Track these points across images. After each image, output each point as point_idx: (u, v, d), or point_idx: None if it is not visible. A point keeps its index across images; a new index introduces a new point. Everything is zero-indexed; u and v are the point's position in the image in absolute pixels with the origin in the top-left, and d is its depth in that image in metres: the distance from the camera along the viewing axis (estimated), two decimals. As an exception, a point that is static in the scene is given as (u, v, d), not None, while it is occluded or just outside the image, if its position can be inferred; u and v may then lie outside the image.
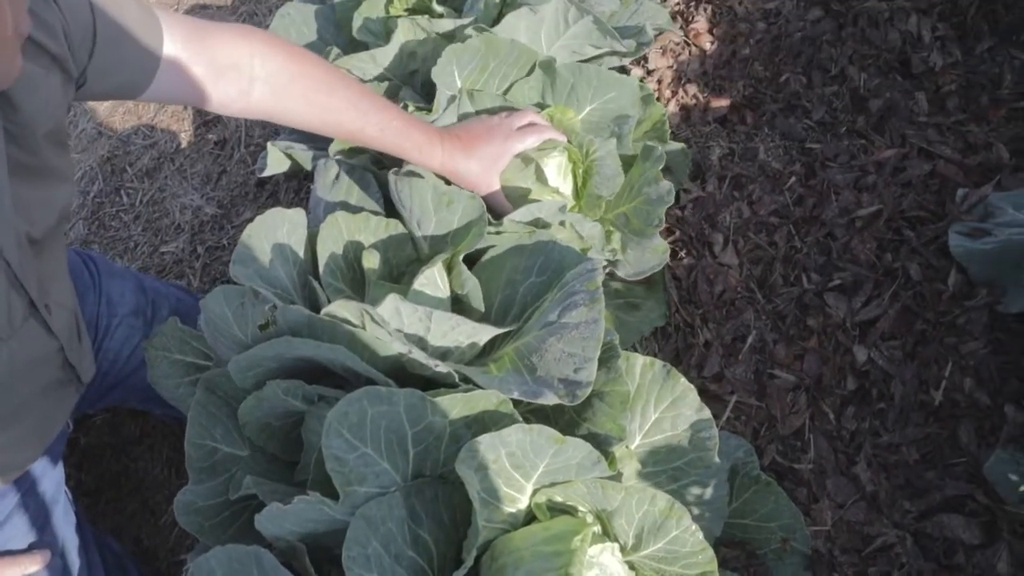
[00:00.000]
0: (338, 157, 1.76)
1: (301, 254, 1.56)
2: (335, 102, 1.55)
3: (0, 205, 1.19)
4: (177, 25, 1.42)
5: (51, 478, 1.58)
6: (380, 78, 1.90)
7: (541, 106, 1.80)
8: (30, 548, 1.52)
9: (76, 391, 1.60)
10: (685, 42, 2.48)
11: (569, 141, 1.71)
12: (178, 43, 1.40)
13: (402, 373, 1.37)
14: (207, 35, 1.46)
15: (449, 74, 1.71)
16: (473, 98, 1.71)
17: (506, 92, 1.80)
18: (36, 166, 1.27)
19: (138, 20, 1.36)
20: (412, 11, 1.96)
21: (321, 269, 1.52)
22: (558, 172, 1.69)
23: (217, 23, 1.49)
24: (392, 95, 1.87)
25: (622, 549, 1.25)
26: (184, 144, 2.82)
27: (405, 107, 1.74)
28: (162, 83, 1.41)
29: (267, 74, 1.49)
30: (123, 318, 1.78)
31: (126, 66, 1.37)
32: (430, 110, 1.74)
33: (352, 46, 2.02)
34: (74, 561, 1.61)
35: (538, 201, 1.62)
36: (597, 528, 1.24)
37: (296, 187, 2.51)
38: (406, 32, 1.79)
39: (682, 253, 2.04)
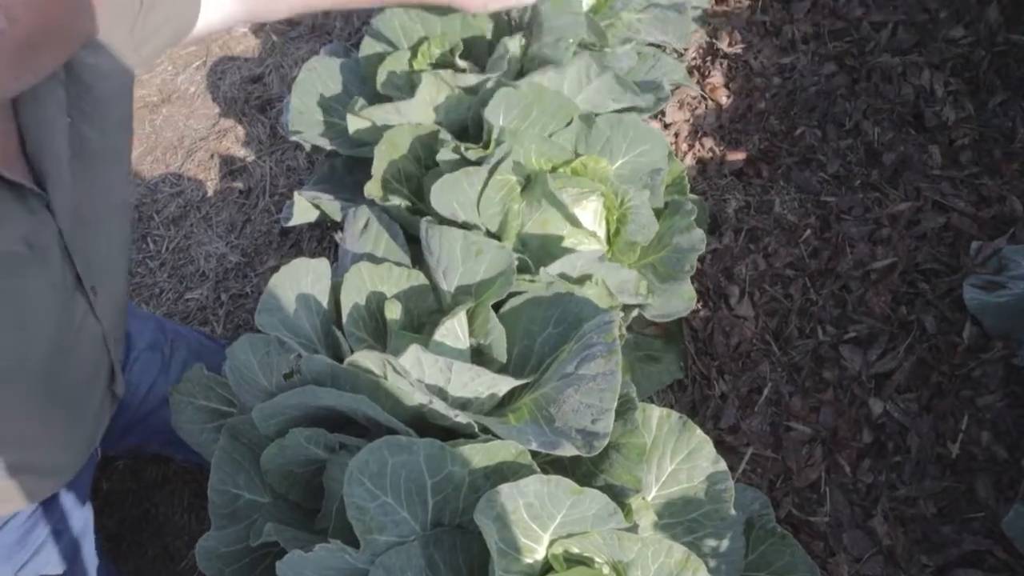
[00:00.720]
0: (370, 199, 1.80)
1: (324, 304, 1.60)
2: None
3: (60, 173, 1.27)
4: None
5: (80, 515, 1.62)
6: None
7: (576, 155, 1.83)
8: None
9: (111, 405, 1.64)
10: (702, 96, 2.53)
11: (603, 191, 1.76)
12: None
13: (422, 423, 1.39)
14: None
15: (496, 116, 1.76)
16: (516, 136, 1.75)
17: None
18: (102, 146, 1.37)
19: None
20: (435, 65, 2.01)
21: (344, 319, 1.55)
22: (594, 217, 1.74)
23: None
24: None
25: (638, 601, 1.26)
26: (210, 193, 2.87)
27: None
28: (209, 16, 1.62)
29: None
30: (140, 352, 1.82)
31: (171, 17, 1.55)
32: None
33: (377, 99, 2.07)
34: None
35: (573, 251, 1.66)
36: (613, 579, 1.25)
37: (319, 236, 2.56)
38: (430, 86, 1.84)
39: (699, 305, 2.06)
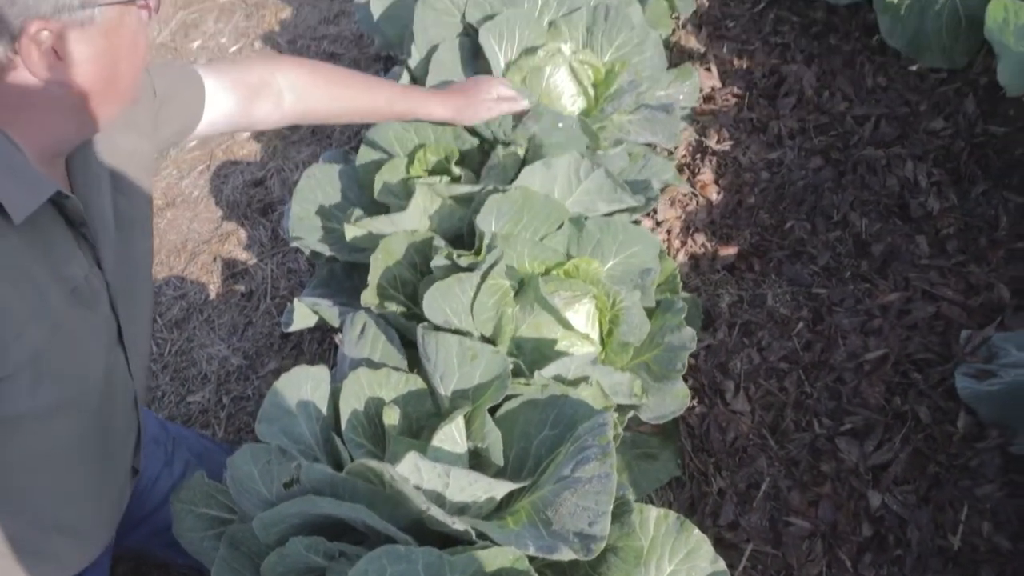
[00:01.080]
0: (367, 307, 1.84)
1: (324, 410, 1.62)
2: (351, 91, 1.92)
3: (107, 231, 1.35)
4: (211, 68, 1.72)
5: None
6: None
7: (568, 257, 1.88)
8: None
9: (132, 481, 1.66)
10: (693, 193, 2.59)
11: (595, 293, 1.80)
12: (214, 80, 1.69)
13: (421, 528, 1.40)
14: (236, 67, 1.79)
15: (488, 223, 1.82)
16: (508, 241, 1.80)
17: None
18: (133, 217, 1.46)
19: (180, 71, 1.66)
20: (432, 171, 2.08)
21: (343, 425, 1.58)
22: (587, 319, 1.77)
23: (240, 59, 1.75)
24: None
25: None
26: (213, 295, 2.92)
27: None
28: (213, 115, 1.69)
29: (290, 84, 1.81)
30: (144, 444, 1.83)
31: (182, 111, 1.64)
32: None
33: (374, 205, 2.13)
34: None
35: (567, 354, 1.69)
36: None
37: (320, 338, 2.60)
38: (423, 197, 1.89)
39: (694, 401, 2.08)
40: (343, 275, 2.18)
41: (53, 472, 1.38)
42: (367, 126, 2.19)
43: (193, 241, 3.15)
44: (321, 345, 2.59)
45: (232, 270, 2.97)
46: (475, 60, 2.42)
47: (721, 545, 1.79)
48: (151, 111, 1.55)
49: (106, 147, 1.40)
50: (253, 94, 1.76)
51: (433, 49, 2.38)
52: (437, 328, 1.69)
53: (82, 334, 1.29)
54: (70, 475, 1.42)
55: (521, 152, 2.07)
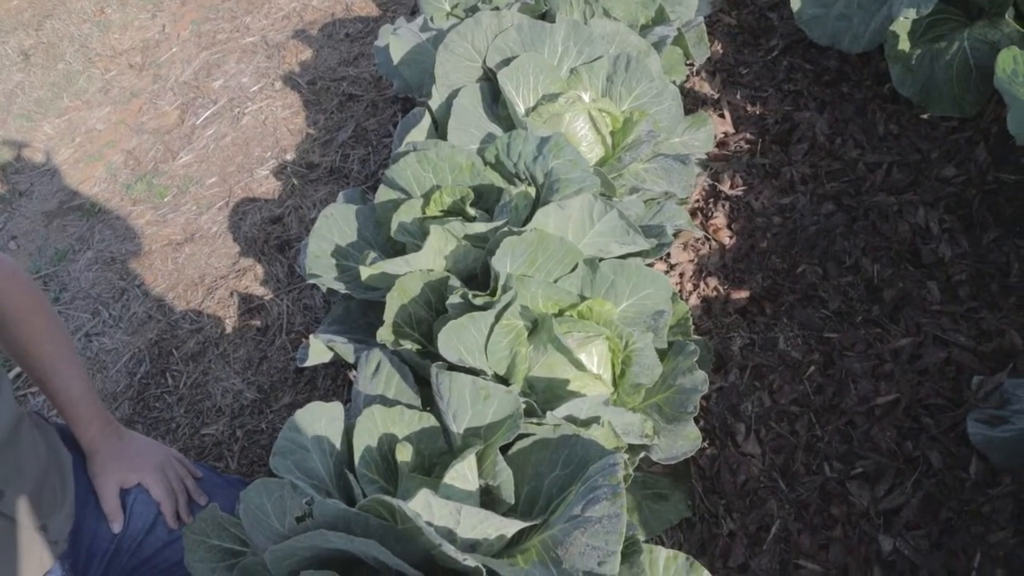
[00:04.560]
0: (382, 344, 1.86)
1: (338, 446, 1.64)
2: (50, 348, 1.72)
3: None
4: None
5: None
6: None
7: (582, 298, 1.90)
8: None
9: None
10: (705, 237, 2.61)
11: (608, 334, 1.82)
12: None
13: (432, 565, 1.42)
14: None
15: (503, 264, 1.84)
16: (523, 282, 1.82)
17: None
18: None
19: None
20: (447, 212, 2.11)
21: (356, 461, 1.60)
22: (600, 360, 1.79)
23: None
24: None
25: None
26: (229, 329, 2.96)
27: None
28: None
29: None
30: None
31: None
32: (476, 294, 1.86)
33: (390, 243, 2.16)
34: None
35: (579, 395, 1.71)
36: None
37: (334, 374, 2.62)
38: (437, 238, 1.92)
39: (705, 443, 2.09)
40: (358, 312, 2.21)
41: None
42: (386, 162, 2.22)
43: (210, 276, 3.19)
44: (335, 381, 2.61)
45: (248, 305, 3.00)
46: (495, 103, 2.47)
47: (731, 588, 1.79)
48: None
49: None
50: None
51: (454, 93, 2.43)
52: (451, 367, 1.71)
53: None
54: None
55: (532, 191, 2.10)
